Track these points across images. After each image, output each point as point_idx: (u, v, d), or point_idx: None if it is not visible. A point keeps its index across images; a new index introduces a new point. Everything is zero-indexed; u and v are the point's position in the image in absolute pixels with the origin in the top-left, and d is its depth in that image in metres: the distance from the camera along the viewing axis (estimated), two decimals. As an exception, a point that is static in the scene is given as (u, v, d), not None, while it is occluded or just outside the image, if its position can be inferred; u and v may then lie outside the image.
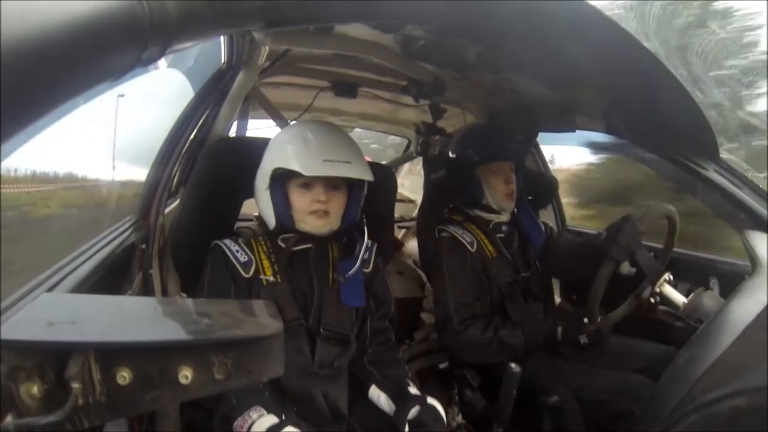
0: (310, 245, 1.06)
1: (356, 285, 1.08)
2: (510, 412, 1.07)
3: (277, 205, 1.02)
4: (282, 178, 1.01)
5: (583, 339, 1.17)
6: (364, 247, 1.08)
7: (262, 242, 1.06)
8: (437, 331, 1.37)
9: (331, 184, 1.02)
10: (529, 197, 1.56)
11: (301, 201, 1.01)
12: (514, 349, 1.23)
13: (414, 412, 0.95)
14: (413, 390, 1.02)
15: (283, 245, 1.05)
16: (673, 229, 1.19)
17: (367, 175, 1.00)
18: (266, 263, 1.03)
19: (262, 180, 1.03)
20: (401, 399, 0.99)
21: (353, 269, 1.05)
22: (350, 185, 1.06)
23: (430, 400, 0.99)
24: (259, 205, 1.07)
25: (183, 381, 0.37)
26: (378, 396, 1.02)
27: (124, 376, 0.36)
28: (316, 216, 1.01)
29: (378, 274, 1.15)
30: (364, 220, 1.11)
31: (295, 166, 0.96)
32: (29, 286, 0.62)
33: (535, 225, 1.50)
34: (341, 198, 1.04)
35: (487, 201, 1.40)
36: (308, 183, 1.01)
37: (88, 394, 0.35)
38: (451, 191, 1.50)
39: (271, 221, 1.04)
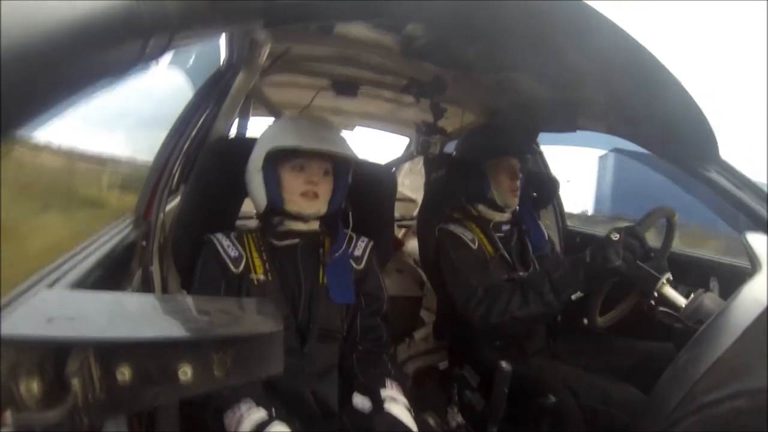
0: (297, 240, 1.07)
1: (344, 281, 1.09)
2: (503, 411, 1.06)
3: (269, 184, 1.05)
4: (275, 161, 1.04)
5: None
6: (348, 236, 1.11)
7: (253, 238, 1.08)
8: (458, 306, 1.30)
9: (322, 168, 1.06)
10: (534, 194, 1.57)
11: (293, 182, 1.05)
12: (533, 313, 1.16)
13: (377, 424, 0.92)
14: (384, 392, 0.98)
15: (272, 240, 1.07)
16: (671, 230, 1.19)
17: (354, 156, 1.08)
18: (257, 261, 1.04)
19: (255, 163, 1.06)
20: (374, 403, 0.98)
21: (339, 251, 1.09)
22: (336, 172, 1.10)
23: (388, 407, 0.95)
24: (251, 189, 1.09)
25: (183, 378, 0.37)
26: (362, 402, 1.01)
27: (123, 374, 0.36)
28: (306, 198, 1.05)
29: (370, 271, 1.15)
30: (350, 210, 1.14)
31: (292, 142, 1.02)
32: (30, 281, 0.62)
33: (536, 225, 1.50)
34: (329, 183, 1.09)
35: (492, 195, 1.40)
36: (302, 165, 1.05)
37: (87, 391, 0.35)
38: (452, 190, 1.50)
39: (262, 202, 1.06)
